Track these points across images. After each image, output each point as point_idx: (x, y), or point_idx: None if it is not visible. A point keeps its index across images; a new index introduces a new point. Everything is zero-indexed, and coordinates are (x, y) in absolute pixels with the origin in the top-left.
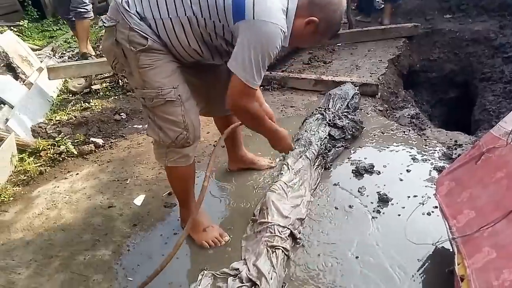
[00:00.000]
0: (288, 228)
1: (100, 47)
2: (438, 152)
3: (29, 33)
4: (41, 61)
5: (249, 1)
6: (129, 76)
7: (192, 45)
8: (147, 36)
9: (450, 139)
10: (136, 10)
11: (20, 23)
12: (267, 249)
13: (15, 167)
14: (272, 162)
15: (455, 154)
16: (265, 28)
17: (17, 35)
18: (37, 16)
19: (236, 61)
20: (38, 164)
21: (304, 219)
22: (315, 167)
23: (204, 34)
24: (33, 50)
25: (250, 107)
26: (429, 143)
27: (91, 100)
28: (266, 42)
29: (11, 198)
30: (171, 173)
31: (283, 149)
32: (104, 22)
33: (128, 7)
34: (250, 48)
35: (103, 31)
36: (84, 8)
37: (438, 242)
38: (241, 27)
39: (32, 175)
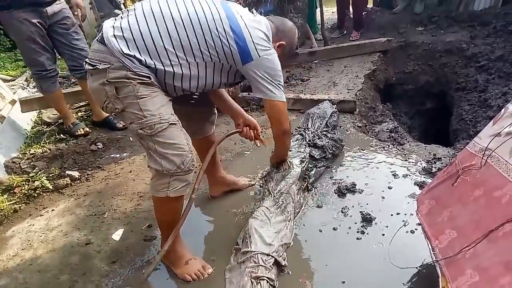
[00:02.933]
0: (272, 256)
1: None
2: (418, 167)
3: (1, 63)
4: (14, 93)
5: (250, 44)
6: (121, 114)
7: (192, 83)
8: (150, 75)
9: (429, 152)
10: (135, 55)
11: None
12: (251, 280)
13: None
14: (251, 180)
15: (435, 168)
16: (270, 58)
17: None
18: (10, 46)
19: (267, 90)
20: (12, 202)
21: (289, 244)
22: (297, 189)
23: (209, 74)
24: (6, 81)
25: (289, 123)
26: (408, 158)
27: None
28: (275, 65)
29: None
30: (165, 205)
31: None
32: (93, 65)
33: (128, 50)
34: (268, 77)
35: None
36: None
37: (421, 265)
38: (252, 66)
39: (6, 213)
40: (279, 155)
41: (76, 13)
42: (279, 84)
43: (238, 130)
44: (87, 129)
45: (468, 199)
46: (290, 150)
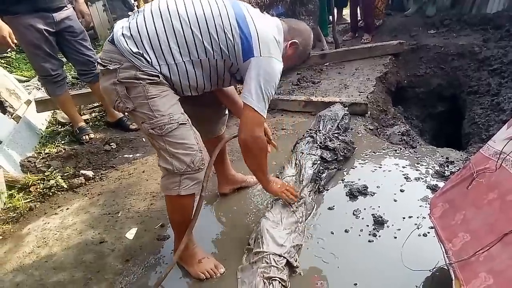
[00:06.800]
0: (284, 257)
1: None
2: (430, 170)
3: (17, 64)
4: (29, 93)
5: (255, 42)
6: (132, 113)
7: (199, 83)
8: (158, 75)
9: (442, 156)
10: (143, 54)
11: (8, 55)
12: (263, 281)
13: (4, 204)
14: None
15: (447, 171)
16: (271, 63)
17: (5, 67)
18: None
19: (249, 93)
20: (28, 200)
21: (301, 245)
22: (309, 191)
23: (213, 72)
24: (21, 81)
25: (263, 137)
26: (420, 161)
27: None
28: (273, 73)
29: (0, 237)
30: (178, 203)
31: (281, 189)
32: (105, 65)
33: (136, 49)
34: (261, 80)
35: None
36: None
37: (434, 268)
38: (251, 63)
39: (22, 211)
40: (253, 173)
41: (80, 20)
42: (267, 96)
43: None
44: (92, 135)
45: (482, 202)
46: (299, 154)
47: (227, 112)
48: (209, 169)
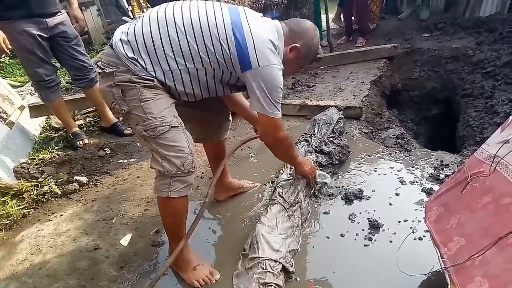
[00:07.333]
0: (280, 263)
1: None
2: (425, 174)
3: (10, 69)
4: (22, 99)
5: (252, 53)
6: (127, 115)
7: (195, 91)
8: (153, 79)
9: (436, 159)
10: (138, 59)
11: (1, 60)
12: (259, 287)
13: None
14: (254, 183)
15: (442, 174)
16: (270, 71)
17: None
18: None
19: (259, 103)
20: (21, 207)
21: (297, 250)
22: (304, 195)
23: (210, 81)
24: (15, 87)
25: (285, 135)
26: (415, 165)
27: None
28: (275, 80)
29: None
30: (169, 206)
31: (310, 171)
32: (103, 68)
33: (132, 54)
34: (265, 89)
35: None
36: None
37: (430, 272)
38: (250, 74)
39: (15, 218)
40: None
41: (74, 25)
42: (276, 100)
43: (257, 136)
44: (86, 140)
45: (476, 206)
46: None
47: (230, 118)
48: (215, 180)
